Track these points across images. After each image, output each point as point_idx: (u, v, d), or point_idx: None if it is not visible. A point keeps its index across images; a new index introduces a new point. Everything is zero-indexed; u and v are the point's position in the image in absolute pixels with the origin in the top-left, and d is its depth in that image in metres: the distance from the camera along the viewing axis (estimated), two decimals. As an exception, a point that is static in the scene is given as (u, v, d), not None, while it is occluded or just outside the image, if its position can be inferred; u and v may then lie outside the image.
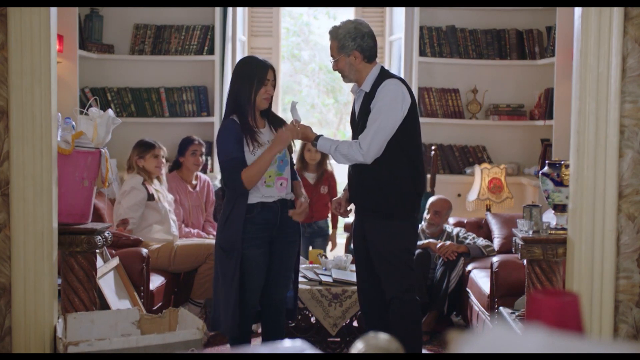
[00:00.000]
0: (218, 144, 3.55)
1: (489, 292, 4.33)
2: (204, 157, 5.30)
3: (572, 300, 1.35)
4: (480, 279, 4.60)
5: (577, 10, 3.16)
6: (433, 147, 5.97)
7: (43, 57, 3.13)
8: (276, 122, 3.66)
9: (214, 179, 5.90)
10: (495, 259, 4.41)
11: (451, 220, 5.43)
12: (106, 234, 3.49)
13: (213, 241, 4.57)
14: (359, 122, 3.58)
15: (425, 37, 6.17)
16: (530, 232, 3.41)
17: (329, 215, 5.51)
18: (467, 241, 5.04)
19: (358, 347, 1.44)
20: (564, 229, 3.41)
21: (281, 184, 3.57)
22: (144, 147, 4.88)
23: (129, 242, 4.49)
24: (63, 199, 3.32)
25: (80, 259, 3.38)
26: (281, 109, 6.92)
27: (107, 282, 4.02)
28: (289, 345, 1.40)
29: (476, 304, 4.58)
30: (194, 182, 5.28)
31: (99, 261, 3.85)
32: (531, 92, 6.21)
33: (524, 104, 6.24)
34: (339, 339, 4.39)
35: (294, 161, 3.99)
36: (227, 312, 3.48)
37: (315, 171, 5.42)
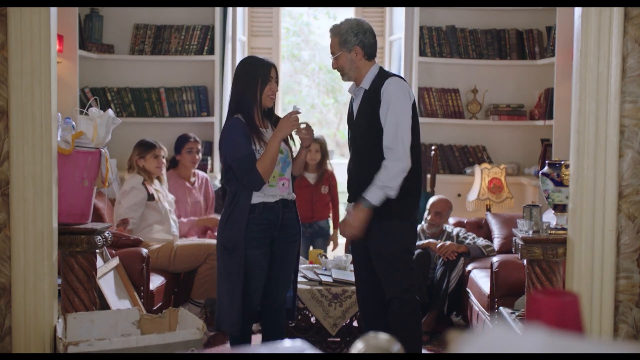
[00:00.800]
0: (225, 144, 3.50)
1: (489, 292, 4.33)
2: (200, 154, 5.31)
3: (572, 300, 1.35)
4: (480, 279, 4.60)
5: (577, 10, 3.16)
6: (433, 147, 5.97)
7: (43, 57, 3.13)
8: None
9: (214, 178, 5.90)
10: (495, 259, 4.41)
11: (451, 220, 5.43)
12: (106, 234, 3.49)
13: (213, 241, 4.58)
14: (358, 121, 3.58)
15: (425, 37, 6.18)
16: (530, 232, 3.41)
17: (330, 215, 5.51)
18: (467, 241, 5.04)
19: (358, 347, 1.44)
20: (564, 229, 3.41)
21: (283, 184, 3.58)
22: (145, 147, 4.88)
23: (129, 242, 4.49)
24: (63, 199, 3.32)
25: (80, 259, 3.38)
26: (281, 109, 6.91)
27: (107, 282, 4.02)
28: (289, 345, 1.40)
29: (476, 304, 4.58)
30: (192, 179, 5.29)
31: (99, 261, 3.85)
32: (531, 92, 6.21)
33: (524, 104, 6.24)
34: (339, 339, 4.39)
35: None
36: (232, 309, 3.48)
37: (315, 171, 5.42)
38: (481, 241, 5.04)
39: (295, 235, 3.66)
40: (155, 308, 4.36)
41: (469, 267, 4.90)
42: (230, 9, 6.06)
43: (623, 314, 3.16)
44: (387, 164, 3.41)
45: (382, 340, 1.45)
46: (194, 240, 4.98)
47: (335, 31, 3.58)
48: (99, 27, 6.12)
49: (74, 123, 3.46)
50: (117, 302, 4.00)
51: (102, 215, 4.76)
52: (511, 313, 3.83)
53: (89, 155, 3.42)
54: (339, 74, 3.68)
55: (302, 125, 3.54)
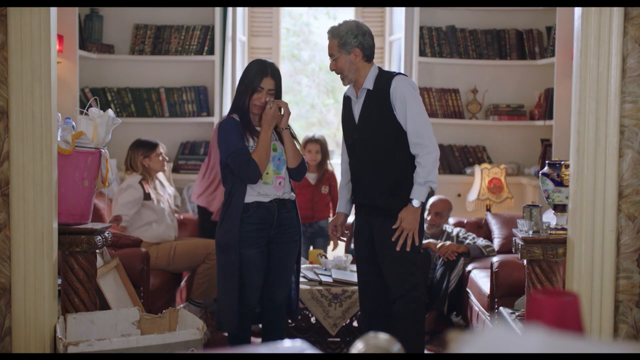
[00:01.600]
0: (219, 142, 3.56)
1: (489, 292, 4.33)
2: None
3: (572, 301, 1.35)
4: (480, 279, 4.60)
5: (577, 10, 3.16)
6: (433, 147, 5.97)
7: (43, 57, 3.13)
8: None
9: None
10: (495, 259, 4.41)
11: (451, 220, 5.43)
12: (106, 234, 3.49)
13: (212, 240, 4.57)
14: (363, 123, 3.59)
15: (425, 37, 6.17)
16: (530, 232, 3.41)
17: (330, 215, 5.51)
18: (467, 241, 5.04)
19: (358, 347, 1.44)
20: (564, 229, 3.41)
21: (279, 183, 3.58)
22: (149, 147, 4.86)
23: (129, 242, 4.49)
24: (63, 199, 3.33)
25: (80, 259, 3.38)
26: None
27: (107, 282, 4.02)
28: (289, 345, 1.40)
29: (476, 304, 4.58)
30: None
31: (99, 261, 3.86)
32: (531, 92, 6.21)
33: (524, 104, 6.24)
34: (339, 339, 4.39)
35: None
36: (228, 307, 3.50)
37: (316, 171, 5.42)
38: (481, 241, 5.04)
39: (295, 236, 3.66)
40: (155, 308, 4.36)
41: (469, 267, 4.90)
42: (230, 9, 6.06)
43: (623, 314, 3.16)
44: (421, 160, 3.51)
45: (382, 340, 1.45)
46: (193, 239, 4.98)
47: (334, 33, 3.59)
48: (99, 27, 6.12)
49: (74, 123, 3.46)
50: (117, 302, 4.00)
51: (102, 216, 4.76)
52: (511, 313, 3.83)
53: (89, 155, 3.42)
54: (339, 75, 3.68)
55: (269, 105, 3.49)
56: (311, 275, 4.51)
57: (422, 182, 3.51)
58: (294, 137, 3.66)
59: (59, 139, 3.31)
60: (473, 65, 6.25)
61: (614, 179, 3.09)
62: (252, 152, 3.47)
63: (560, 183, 3.45)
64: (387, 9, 6.65)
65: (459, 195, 6.16)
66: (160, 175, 5.01)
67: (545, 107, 5.92)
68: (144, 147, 4.87)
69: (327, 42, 3.65)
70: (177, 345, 3.06)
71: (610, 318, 3.13)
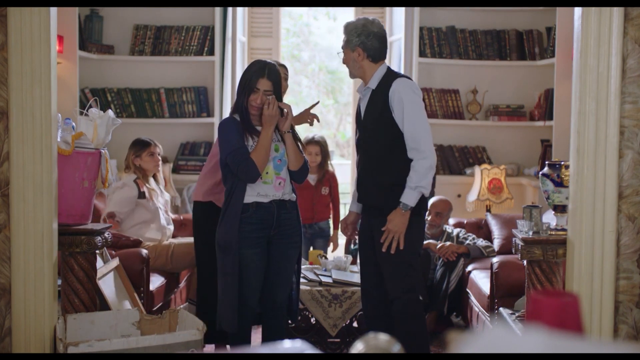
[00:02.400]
0: (219, 141, 3.57)
1: (489, 293, 4.33)
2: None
3: (572, 301, 1.34)
4: (480, 279, 4.60)
5: (577, 11, 3.16)
6: (433, 148, 5.97)
7: (43, 58, 3.13)
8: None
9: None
10: (495, 259, 4.41)
11: (451, 220, 5.43)
12: (106, 235, 3.49)
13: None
14: (365, 121, 3.61)
15: (425, 38, 6.18)
16: (530, 233, 3.41)
17: (330, 216, 5.51)
18: (467, 242, 5.04)
19: (358, 347, 1.44)
20: (564, 229, 3.41)
21: (279, 184, 3.58)
22: (140, 146, 4.86)
23: (129, 243, 4.49)
24: (63, 200, 3.33)
25: (80, 259, 3.38)
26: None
27: (107, 283, 4.02)
28: (289, 345, 1.40)
29: (476, 305, 4.58)
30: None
31: (99, 262, 3.85)
32: (531, 92, 6.21)
33: (524, 105, 6.24)
34: (338, 340, 4.39)
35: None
36: (227, 307, 3.50)
37: (316, 172, 5.42)
38: (481, 242, 5.04)
39: (295, 237, 3.65)
40: (155, 308, 4.36)
41: (469, 268, 4.90)
42: (230, 10, 6.06)
43: (623, 315, 3.16)
44: (415, 164, 3.50)
45: (382, 340, 1.45)
46: (191, 238, 4.97)
47: (344, 28, 3.67)
48: (99, 28, 6.12)
49: (74, 124, 3.46)
50: (117, 302, 4.00)
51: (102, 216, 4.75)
52: (511, 314, 3.83)
53: (89, 155, 3.42)
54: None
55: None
56: (311, 275, 4.51)
57: (413, 187, 3.49)
58: (297, 139, 3.65)
59: (59, 140, 3.31)
60: (473, 65, 6.25)
61: (614, 180, 3.08)
62: (251, 151, 3.47)
63: (560, 184, 3.45)
64: (387, 9, 6.65)
65: (459, 195, 6.16)
66: (159, 178, 5.00)
67: (545, 108, 5.92)
68: (136, 147, 4.86)
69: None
70: (177, 346, 3.06)
71: (610, 318, 3.12)
